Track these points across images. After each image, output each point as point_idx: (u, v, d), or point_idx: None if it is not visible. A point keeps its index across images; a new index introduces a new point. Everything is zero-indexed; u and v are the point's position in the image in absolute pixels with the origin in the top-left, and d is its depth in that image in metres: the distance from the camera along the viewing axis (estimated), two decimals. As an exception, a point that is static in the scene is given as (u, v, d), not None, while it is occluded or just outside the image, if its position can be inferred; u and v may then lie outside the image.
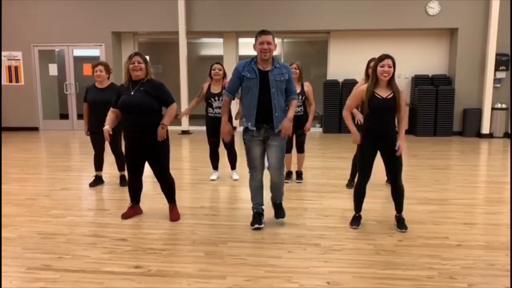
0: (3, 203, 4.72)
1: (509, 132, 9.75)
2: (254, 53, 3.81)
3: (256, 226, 3.95)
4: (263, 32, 3.76)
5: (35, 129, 10.94)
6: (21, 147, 8.63)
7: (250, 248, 3.56)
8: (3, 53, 10.69)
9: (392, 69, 3.69)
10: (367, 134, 3.83)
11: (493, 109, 9.73)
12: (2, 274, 3.07)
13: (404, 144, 3.79)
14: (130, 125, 3.98)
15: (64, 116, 11.24)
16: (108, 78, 5.29)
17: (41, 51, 10.79)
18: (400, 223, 3.93)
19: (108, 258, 3.35)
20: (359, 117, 4.69)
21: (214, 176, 5.77)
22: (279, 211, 4.10)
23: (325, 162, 6.98)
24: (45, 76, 10.93)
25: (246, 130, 3.87)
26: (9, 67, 10.76)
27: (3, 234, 3.81)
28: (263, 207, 4.07)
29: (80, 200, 5.06)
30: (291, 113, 3.87)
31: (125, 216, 4.22)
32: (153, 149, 4.00)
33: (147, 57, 4.11)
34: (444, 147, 8.69)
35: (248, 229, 3.96)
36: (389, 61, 3.69)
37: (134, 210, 4.31)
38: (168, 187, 4.22)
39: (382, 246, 3.57)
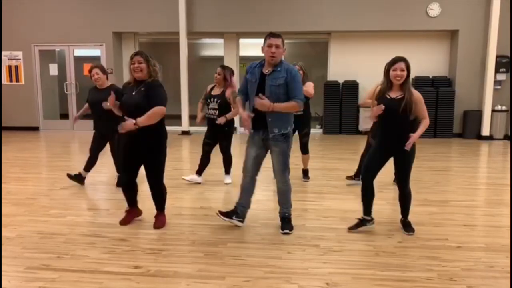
0: (2, 202, 4.72)
1: (509, 134, 9.74)
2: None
3: (222, 217, 3.93)
4: (273, 35, 3.62)
5: (35, 128, 10.94)
6: (21, 146, 8.63)
7: (249, 248, 3.56)
8: (3, 53, 10.70)
9: (404, 73, 3.60)
10: (379, 139, 3.84)
11: (493, 111, 9.74)
12: (1, 273, 3.07)
13: (412, 140, 3.59)
14: None
15: (64, 116, 11.25)
16: (107, 78, 5.30)
17: (41, 51, 10.79)
18: (406, 226, 3.89)
19: (107, 258, 3.34)
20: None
21: (199, 179, 5.56)
22: (285, 225, 3.91)
23: (325, 163, 6.97)
24: (45, 76, 10.94)
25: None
26: (10, 67, 10.76)
27: (2, 234, 3.80)
28: (244, 209, 3.99)
29: (80, 200, 5.06)
30: (278, 104, 3.60)
31: (124, 222, 4.04)
32: (150, 153, 3.82)
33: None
34: (444, 148, 8.69)
35: (248, 230, 3.96)
36: (401, 65, 3.60)
37: (132, 214, 4.13)
38: (158, 195, 3.99)
39: (382, 247, 3.57)
